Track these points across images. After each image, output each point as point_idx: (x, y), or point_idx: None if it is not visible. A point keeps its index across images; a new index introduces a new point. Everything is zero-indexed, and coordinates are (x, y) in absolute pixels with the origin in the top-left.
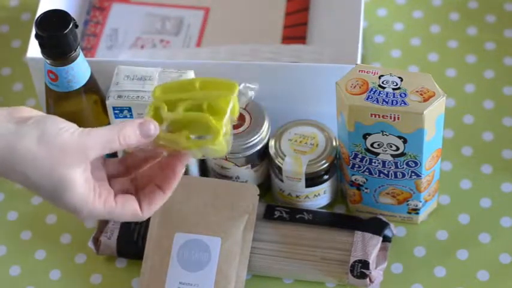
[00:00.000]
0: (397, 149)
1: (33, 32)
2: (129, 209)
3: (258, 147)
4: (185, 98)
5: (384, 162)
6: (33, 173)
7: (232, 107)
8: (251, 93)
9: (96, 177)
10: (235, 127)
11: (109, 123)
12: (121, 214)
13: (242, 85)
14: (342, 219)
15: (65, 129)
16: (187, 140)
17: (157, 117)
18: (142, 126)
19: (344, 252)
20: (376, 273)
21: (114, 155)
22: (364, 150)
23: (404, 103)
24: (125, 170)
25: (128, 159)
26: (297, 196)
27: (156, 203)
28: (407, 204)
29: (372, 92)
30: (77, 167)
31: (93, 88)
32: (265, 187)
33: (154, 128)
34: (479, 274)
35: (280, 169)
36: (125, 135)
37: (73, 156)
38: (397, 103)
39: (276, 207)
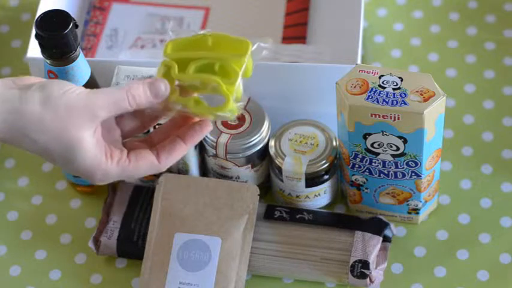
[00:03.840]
0: (397, 149)
1: (33, 32)
2: (143, 162)
3: (258, 147)
4: (197, 57)
5: (384, 162)
6: (40, 137)
7: (246, 69)
8: (264, 52)
9: (108, 139)
10: (235, 127)
11: None
12: (136, 169)
13: (256, 45)
14: (342, 219)
15: (71, 91)
16: (197, 105)
17: (168, 76)
18: (152, 85)
19: (344, 252)
20: (376, 273)
21: None
22: (364, 150)
23: (405, 103)
24: (141, 125)
25: (143, 113)
26: (297, 196)
27: (176, 153)
28: (408, 204)
29: (372, 92)
30: (86, 128)
31: (93, 88)
32: (265, 187)
33: (164, 87)
34: (479, 274)
35: (280, 169)
36: (135, 94)
37: (81, 117)
38: (397, 103)
39: (276, 207)
